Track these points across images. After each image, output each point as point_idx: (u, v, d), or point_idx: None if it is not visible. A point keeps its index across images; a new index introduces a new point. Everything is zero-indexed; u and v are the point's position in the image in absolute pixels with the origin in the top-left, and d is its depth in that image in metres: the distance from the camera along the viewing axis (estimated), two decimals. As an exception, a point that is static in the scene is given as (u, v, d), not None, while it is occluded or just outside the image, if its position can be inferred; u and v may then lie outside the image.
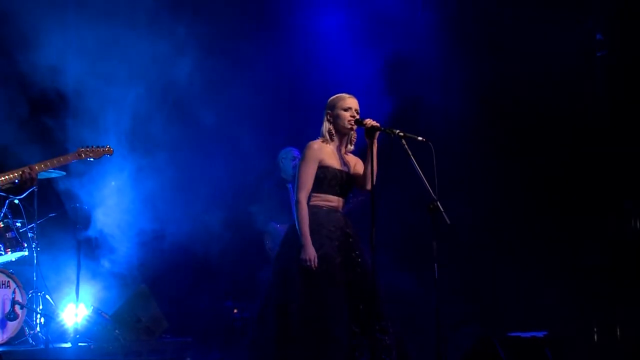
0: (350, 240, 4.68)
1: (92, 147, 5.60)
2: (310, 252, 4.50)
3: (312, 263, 4.48)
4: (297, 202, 4.63)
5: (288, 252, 4.63)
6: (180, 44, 7.12)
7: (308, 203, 4.66)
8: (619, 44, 6.91)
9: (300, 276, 4.51)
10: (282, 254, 4.73)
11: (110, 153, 5.72)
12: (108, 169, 6.94)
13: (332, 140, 4.76)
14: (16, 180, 5.02)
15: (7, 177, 5.00)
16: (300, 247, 4.53)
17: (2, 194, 5.40)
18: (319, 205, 4.67)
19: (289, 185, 6.70)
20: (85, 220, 6.74)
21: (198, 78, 7.24)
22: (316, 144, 4.73)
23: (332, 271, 4.54)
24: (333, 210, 4.70)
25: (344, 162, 4.79)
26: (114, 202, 7.06)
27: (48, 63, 6.76)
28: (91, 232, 6.96)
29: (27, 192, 5.48)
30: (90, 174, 7.00)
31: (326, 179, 4.68)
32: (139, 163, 7.12)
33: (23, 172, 4.97)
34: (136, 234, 7.09)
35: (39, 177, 5.46)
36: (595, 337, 6.54)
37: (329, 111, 4.76)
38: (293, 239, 4.62)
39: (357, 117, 4.71)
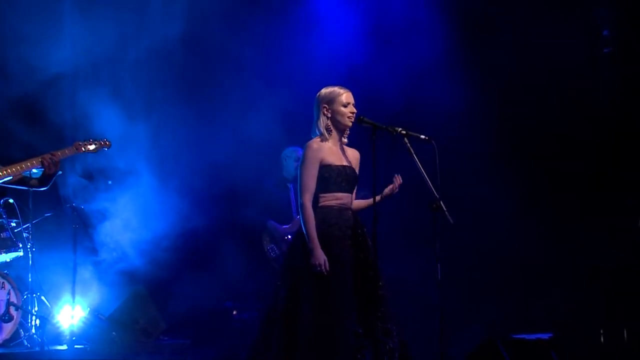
0: (360, 239, 4.59)
1: (90, 140, 5.53)
2: (320, 257, 4.40)
3: (323, 267, 4.39)
4: (302, 205, 4.52)
5: (297, 255, 4.53)
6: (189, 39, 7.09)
7: (318, 204, 4.56)
8: (625, 40, 6.88)
9: (311, 281, 4.41)
10: (290, 257, 4.63)
11: (108, 146, 5.65)
12: (104, 167, 6.89)
13: (329, 136, 4.64)
14: (33, 170, 4.87)
15: (24, 165, 4.85)
16: (309, 251, 4.43)
17: (23, 187, 5.25)
18: (330, 205, 4.56)
19: (290, 185, 6.64)
20: (82, 221, 6.66)
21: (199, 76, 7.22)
22: (315, 144, 4.61)
23: (343, 273, 4.45)
24: (344, 208, 4.60)
25: (345, 156, 4.68)
26: (110, 202, 6.99)
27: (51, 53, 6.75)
28: (88, 233, 6.90)
29: (52, 181, 5.35)
30: (87, 173, 6.96)
31: (332, 178, 4.57)
32: (137, 162, 7.07)
33: (44, 158, 4.81)
34: (133, 235, 7.03)
35: (36, 176, 5.37)
36: (602, 339, 6.48)
37: (326, 105, 4.63)
38: (302, 242, 4.51)
39: (355, 111, 4.62)
